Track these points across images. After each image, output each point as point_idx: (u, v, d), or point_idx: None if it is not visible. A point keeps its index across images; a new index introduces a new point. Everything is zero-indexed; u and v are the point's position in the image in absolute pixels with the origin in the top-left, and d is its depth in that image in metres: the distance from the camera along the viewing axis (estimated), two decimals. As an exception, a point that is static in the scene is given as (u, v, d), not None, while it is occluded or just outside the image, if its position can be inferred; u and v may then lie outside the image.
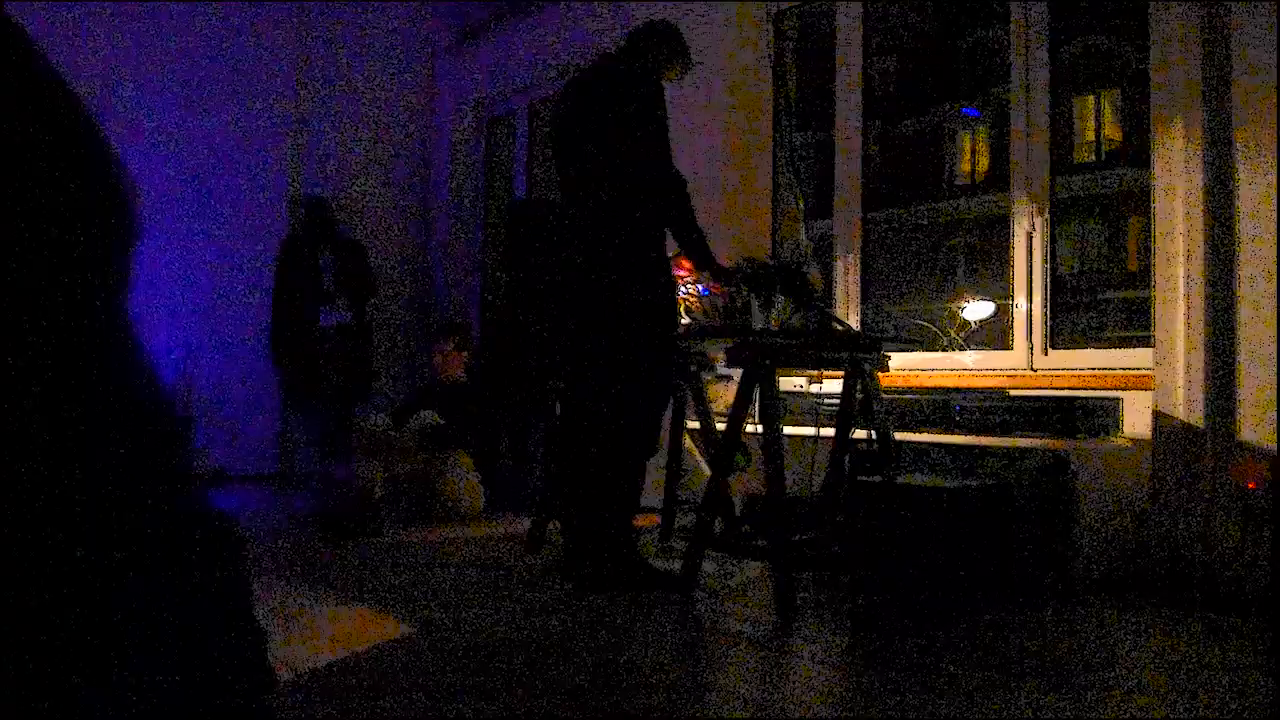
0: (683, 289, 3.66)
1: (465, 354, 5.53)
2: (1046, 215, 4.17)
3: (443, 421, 5.08)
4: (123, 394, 0.90)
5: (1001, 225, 4.32)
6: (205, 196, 6.45)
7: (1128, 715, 2.11)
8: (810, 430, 3.79)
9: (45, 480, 0.79)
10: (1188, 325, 3.40)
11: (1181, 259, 3.44)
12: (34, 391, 0.78)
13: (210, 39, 6.58)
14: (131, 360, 0.92)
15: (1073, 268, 4.64)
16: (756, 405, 3.35)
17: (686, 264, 3.67)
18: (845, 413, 3.50)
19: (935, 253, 5.06)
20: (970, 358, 4.33)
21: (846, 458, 3.51)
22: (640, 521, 4.02)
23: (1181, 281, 3.43)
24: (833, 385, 3.99)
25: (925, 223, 5.03)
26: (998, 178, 4.52)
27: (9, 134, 0.74)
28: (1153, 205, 3.57)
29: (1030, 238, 4.19)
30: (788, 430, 4.01)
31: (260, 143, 6.77)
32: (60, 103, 0.80)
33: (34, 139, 0.79)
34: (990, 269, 4.54)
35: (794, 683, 2.40)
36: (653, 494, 4.17)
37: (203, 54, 6.53)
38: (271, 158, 6.81)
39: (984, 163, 5.02)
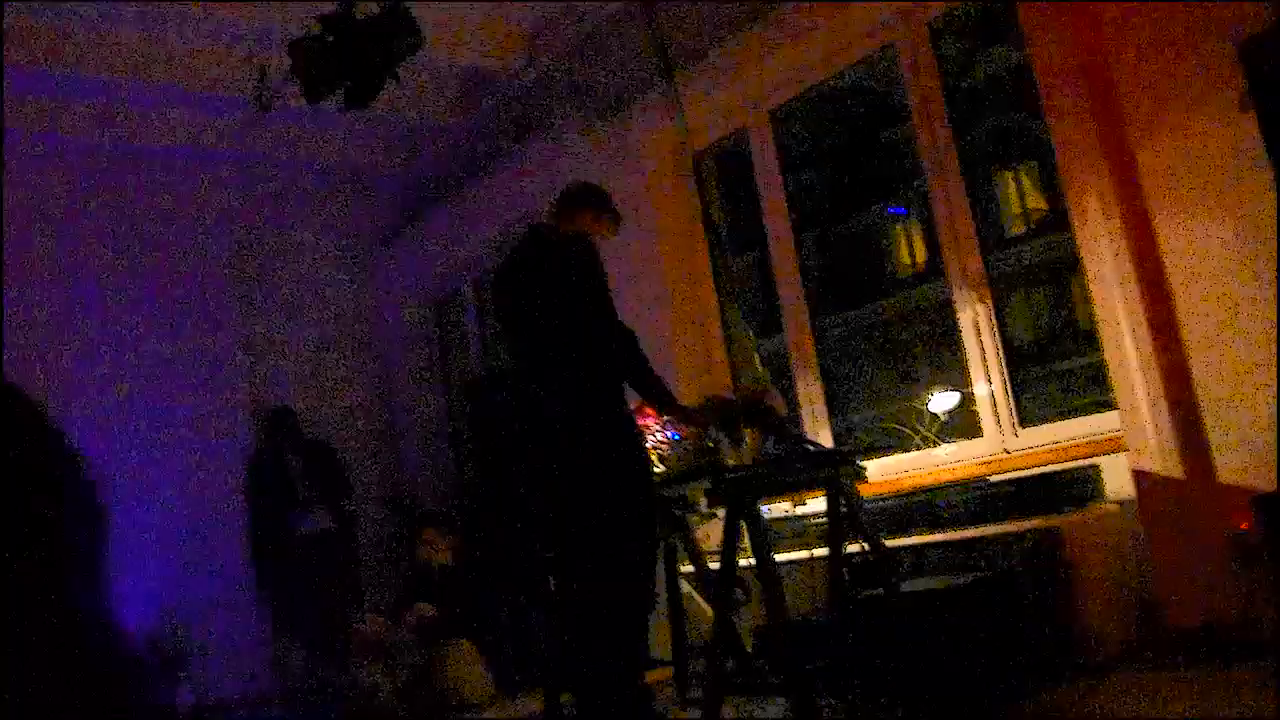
0: (651, 438, 3.74)
1: (451, 538, 5.55)
2: (988, 300, 4.32)
3: (437, 611, 5.07)
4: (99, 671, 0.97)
5: (950, 309, 4.47)
6: (167, 426, 6.51)
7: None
8: (804, 553, 3.83)
9: None
10: (1145, 382, 3.53)
11: (1124, 319, 3.59)
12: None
13: (156, 283, 6.74)
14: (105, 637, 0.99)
15: (1028, 339, 4.77)
16: (746, 538, 3.40)
17: (651, 412, 3.76)
18: (834, 530, 3.55)
19: (892, 349, 5.18)
20: (945, 452, 4.41)
21: (845, 574, 3.55)
22: (654, 676, 4.00)
23: (1129, 340, 3.57)
24: (817, 503, 4.05)
25: (876, 320, 5.16)
26: (935, 266, 4.69)
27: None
28: (1084, 273, 3.74)
29: (976, 324, 4.34)
30: (781, 556, 4.04)
31: (214, 365, 6.86)
32: (34, 436, 0.90)
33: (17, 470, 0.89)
34: (948, 354, 4.66)
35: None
36: (662, 647, 4.16)
37: (147, 292, 6.68)
38: (228, 376, 6.90)
39: (921, 253, 5.20)
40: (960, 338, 4.40)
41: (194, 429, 6.63)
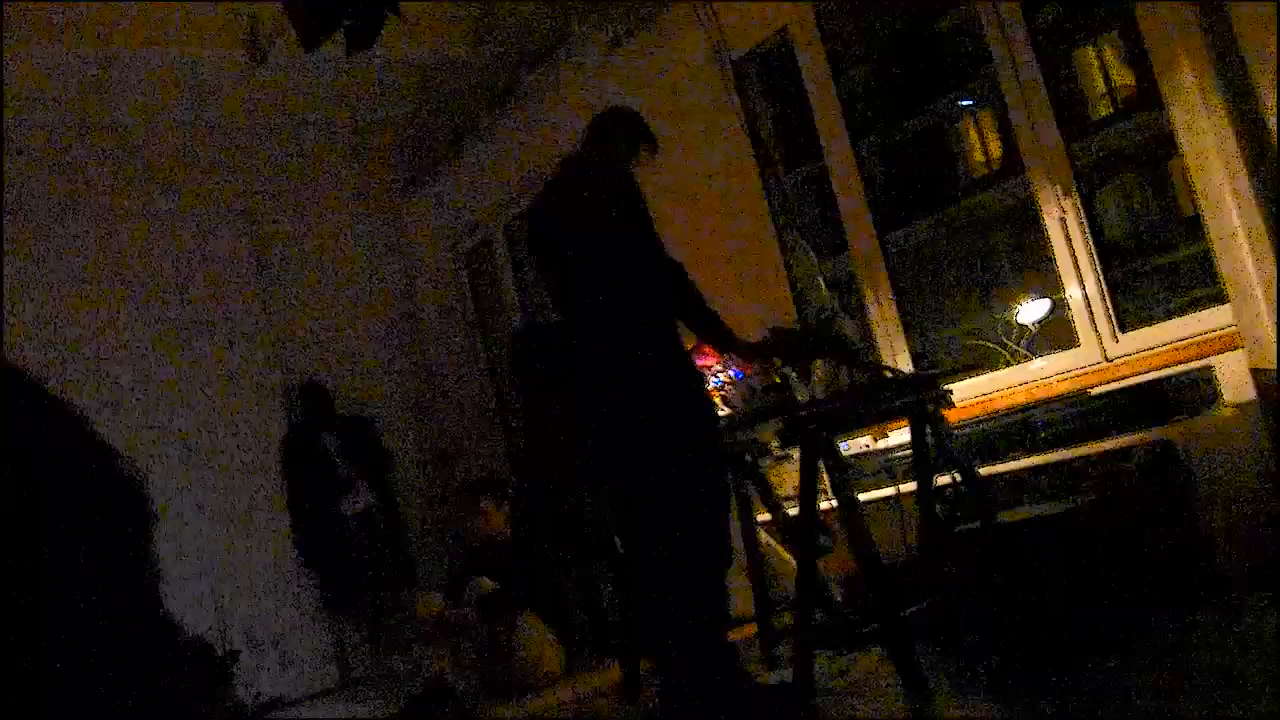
0: (713, 380, 3.75)
1: (505, 506, 5.62)
2: (1075, 193, 4.23)
3: (498, 585, 5.14)
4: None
5: (1033, 208, 4.39)
6: (200, 412, 6.65)
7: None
8: (890, 490, 3.84)
9: None
10: (1258, 268, 3.45)
11: (1230, 201, 3.51)
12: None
13: (166, 248, 6.85)
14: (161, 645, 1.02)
15: (1123, 233, 4.67)
16: (825, 479, 3.41)
17: (710, 351, 3.76)
18: (921, 462, 3.56)
19: (971, 259, 5.11)
20: (1039, 366, 4.35)
21: (937, 508, 3.55)
22: (737, 635, 4.05)
23: (1237, 224, 3.49)
24: (901, 434, 4.04)
25: (950, 228, 5.08)
26: (1013, 161, 4.60)
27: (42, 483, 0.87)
28: (1182, 155, 3.66)
29: (1063, 220, 4.26)
30: (865, 496, 4.05)
31: (238, 340, 6.97)
32: (74, 439, 0.93)
33: (59, 480, 0.92)
34: (1034, 259, 4.59)
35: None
36: (743, 604, 4.20)
37: (164, 275, 6.80)
38: (254, 352, 7.01)
39: (996, 148, 5.10)
40: (1047, 238, 4.32)
41: (223, 411, 6.75)
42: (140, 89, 6.36)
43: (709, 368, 3.74)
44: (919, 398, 3.44)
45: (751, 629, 4.32)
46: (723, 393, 3.76)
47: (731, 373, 3.74)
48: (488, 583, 5.14)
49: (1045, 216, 4.32)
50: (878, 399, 3.40)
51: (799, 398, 3.45)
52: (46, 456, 0.90)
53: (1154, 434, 3.42)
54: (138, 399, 6.41)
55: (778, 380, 3.57)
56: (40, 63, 5.74)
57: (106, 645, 0.94)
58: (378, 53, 4.53)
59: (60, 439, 0.93)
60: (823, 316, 3.57)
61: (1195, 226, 3.93)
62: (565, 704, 4.36)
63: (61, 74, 5.95)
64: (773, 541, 4.64)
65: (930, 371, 3.64)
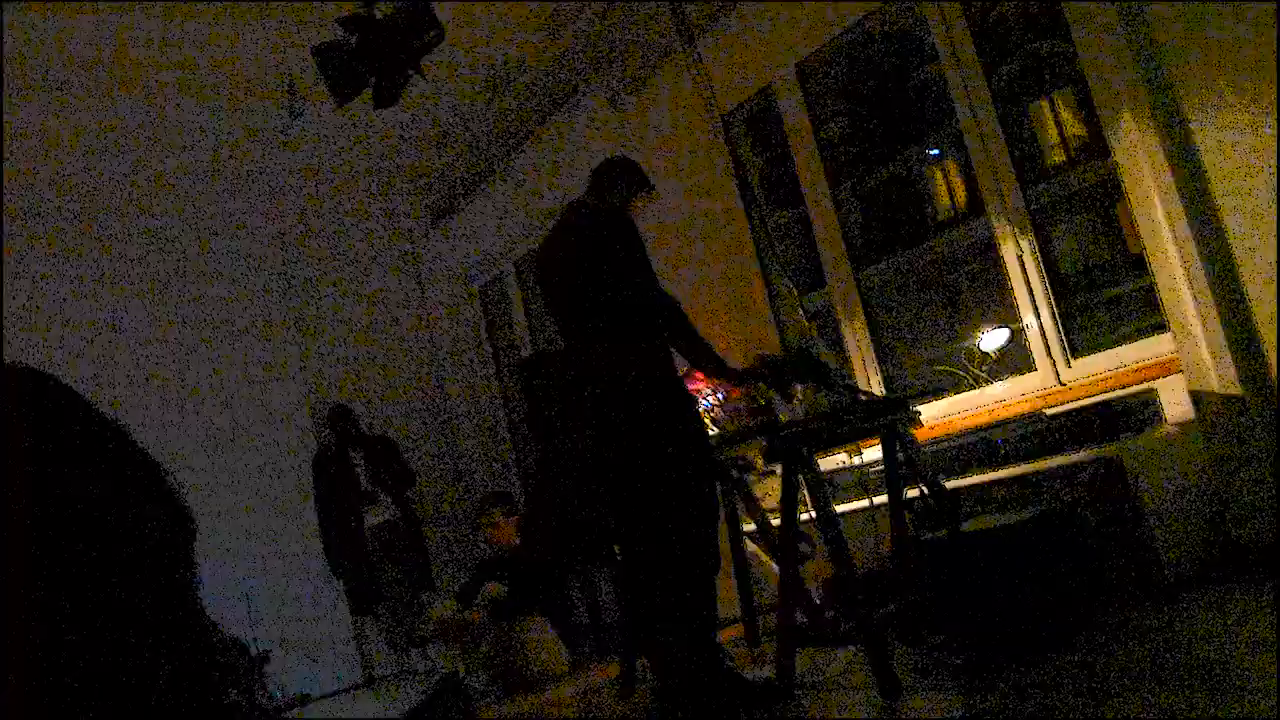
0: (703, 402, 3.77)
1: (515, 518, 5.64)
2: (1031, 232, 4.28)
3: (508, 590, 5.15)
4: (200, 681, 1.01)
5: (994, 246, 4.43)
6: (235, 431, 6.68)
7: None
8: (864, 502, 3.85)
9: None
10: (1195, 298, 3.48)
11: (1169, 239, 3.54)
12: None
13: (205, 281, 6.89)
14: (203, 645, 1.03)
15: (1075, 269, 4.71)
16: (805, 492, 3.43)
17: (701, 376, 3.79)
18: (892, 476, 3.57)
19: (938, 292, 5.14)
20: (999, 389, 4.38)
21: (907, 519, 3.57)
22: (725, 635, 4.06)
23: (1176, 261, 3.52)
24: (873, 452, 4.06)
25: (919, 265, 5.12)
26: (975, 203, 4.64)
27: (88, 492, 0.88)
28: (1127, 197, 3.70)
29: (1020, 258, 4.30)
30: (841, 508, 4.08)
31: (271, 365, 7.00)
32: (114, 451, 0.95)
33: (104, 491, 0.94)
34: (995, 292, 4.62)
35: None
36: (730, 606, 4.21)
37: (204, 305, 6.84)
38: (286, 376, 7.05)
39: (961, 193, 5.13)
40: (1006, 273, 4.36)
41: (257, 430, 6.78)
42: (188, 137, 6.41)
43: (700, 391, 3.76)
44: (890, 418, 3.46)
45: (738, 629, 4.32)
46: (712, 414, 3.78)
47: (719, 395, 3.76)
48: (498, 587, 5.16)
49: (1004, 254, 4.36)
50: (853, 419, 3.42)
51: (781, 418, 3.48)
52: (98, 466, 0.92)
53: (1103, 450, 3.44)
54: (182, 418, 6.43)
55: (762, 403, 3.59)
56: (97, 113, 5.78)
57: (159, 647, 0.95)
58: (402, 105, 4.57)
59: (109, 450, 0.94)
60: (803, 345, 3.58)
61: (1141, 263, 3.96)
62: (569, 698, 4.36)
63: (123, 123, 6.00)
64: (758, 549, 4.65)
65: (900, 394, 3.67)
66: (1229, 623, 2.83)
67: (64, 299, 6.09)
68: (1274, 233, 3.31)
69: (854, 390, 3.63)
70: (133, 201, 6.66)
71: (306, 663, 6.45)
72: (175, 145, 6.46)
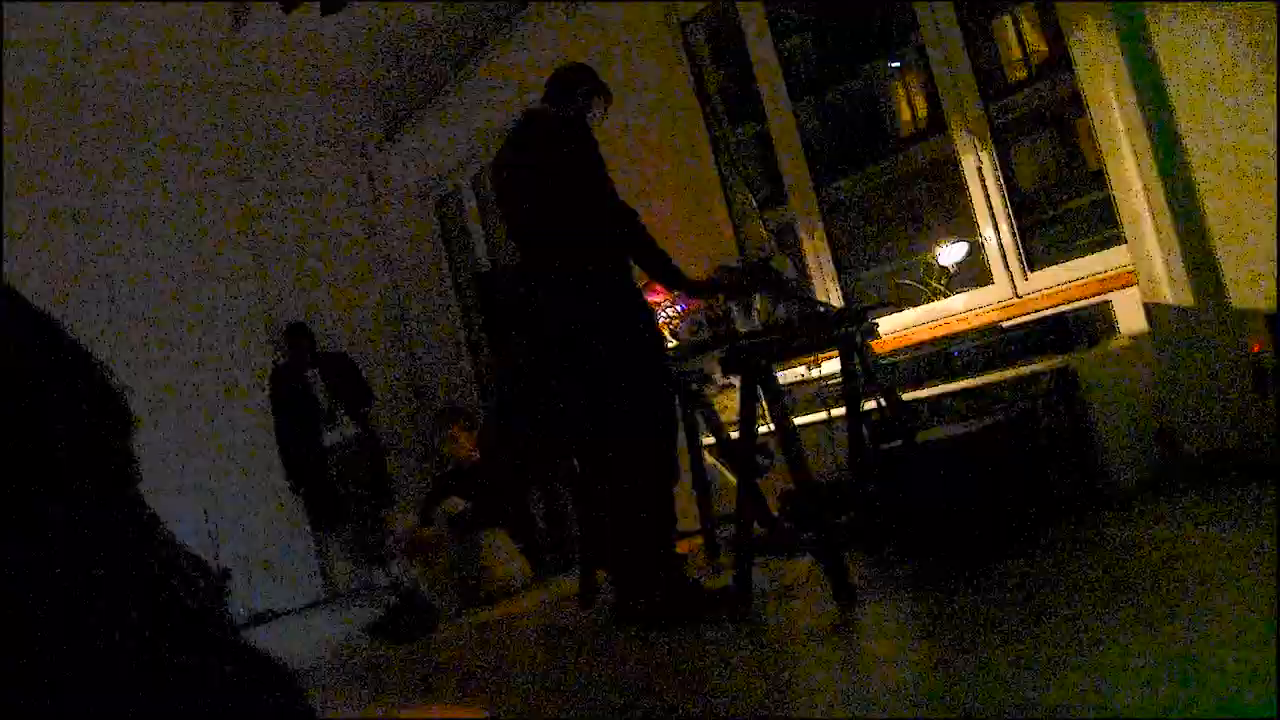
0: (662, 314, 3.75)
1: (474, 432, 5.62)
2: (990, 145, 4.26)
3: (469, 504, 5.16)
4: (147, 571, 0.99)
5: (954, 162, 4.42)
6: (191, 349, 6.58)
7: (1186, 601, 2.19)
8: (822, 414, 3.87)
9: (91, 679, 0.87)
10: (1152, 213, 3.48)
11: (1128, 151, 3.53)
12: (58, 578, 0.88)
13: (154, 195, 6.72)
14: (149, 539, 1.01)
15: (1035, 184, 4.71)
16: (764, 404, 3.43)
17: (660, 289, 3.77)
18: (850, 388, 3.58)
19: (898, 208, 5.14)
20: (957, 302, 4.41)
21: (864, 430, 3.59)
22: (684, 546, 4.09)
23: (1134, 174, 3.52)
24: (832, 365, 4.08)
25: (881, 181, 5.11)
26: (937, 120, 4.61)
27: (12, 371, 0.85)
28: (1087, 111, 3.68)
29: (980, 171, 4.29)
30: (800, 420, 4.10)
31: (224, 283, 6.89)
32: (44, 335, 0.91)
33: (26, 370, 0.90)
34: (955, 208, 4.62)
35: (871, 662, 2.48)
36: (689, 519, 4.24)
37: (153, 220, 6.68)
38: (240, 293, 6.94)
39: (922, 108, 5.10)
40: (966, 188, 4.36)
41: (214, 348, 6.70)
42: (131, 43, 6.20)
43: (659, 304, 3.74)
44: (848, 330, 3.46)
45: (697, 541, 4.37)
46: (671, 326, 3.76)
47: (679, 307, 3.74)
48: (458, 502, 5.17)
49: (965, 169, 4.35)
50: (811, 331, 3.42)
51: (739, 330, 3.47)
52: (28, 349, 0.88)
53: (1058, 362, 3.46)
54: (135, 335, 6.33)
55: (721, 314, 3.58)
56: (39, 15, 5.58)
57: (99, 536, 0.93)
58: (351, 15, 4.44)
59: (36, 334, 0.91)
60: (762, 256, 3.56)
61: (1099, 179, 3.96)
62: (528, 611, 4.41)
63: (57, 26, 5.80)
64: (716, 462, 4.68)
65: (859, 307, 3.66)
66: (1175, 529, 2.88)
67: (9, 209, 5.92)
68: (1233, 143, 3.31)
69: (813, 302, 3.62)
70: (76, 110, 6.46)
71: (268, 580, 6.47)
72: (121, 53, 6.25)
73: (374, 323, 7.48)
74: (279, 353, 6.64)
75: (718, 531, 4.29)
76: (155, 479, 1.04)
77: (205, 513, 6.15)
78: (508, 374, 5.24)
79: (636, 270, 3.50)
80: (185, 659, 0.95)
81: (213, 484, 6.38)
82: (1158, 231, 3.47)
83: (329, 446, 6.12)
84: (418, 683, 3.51)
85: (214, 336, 6.74)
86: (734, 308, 3.50)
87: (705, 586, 3.46)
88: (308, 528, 6.65)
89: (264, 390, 6.38)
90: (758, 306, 3.49)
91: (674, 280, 3.51)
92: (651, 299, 3.74)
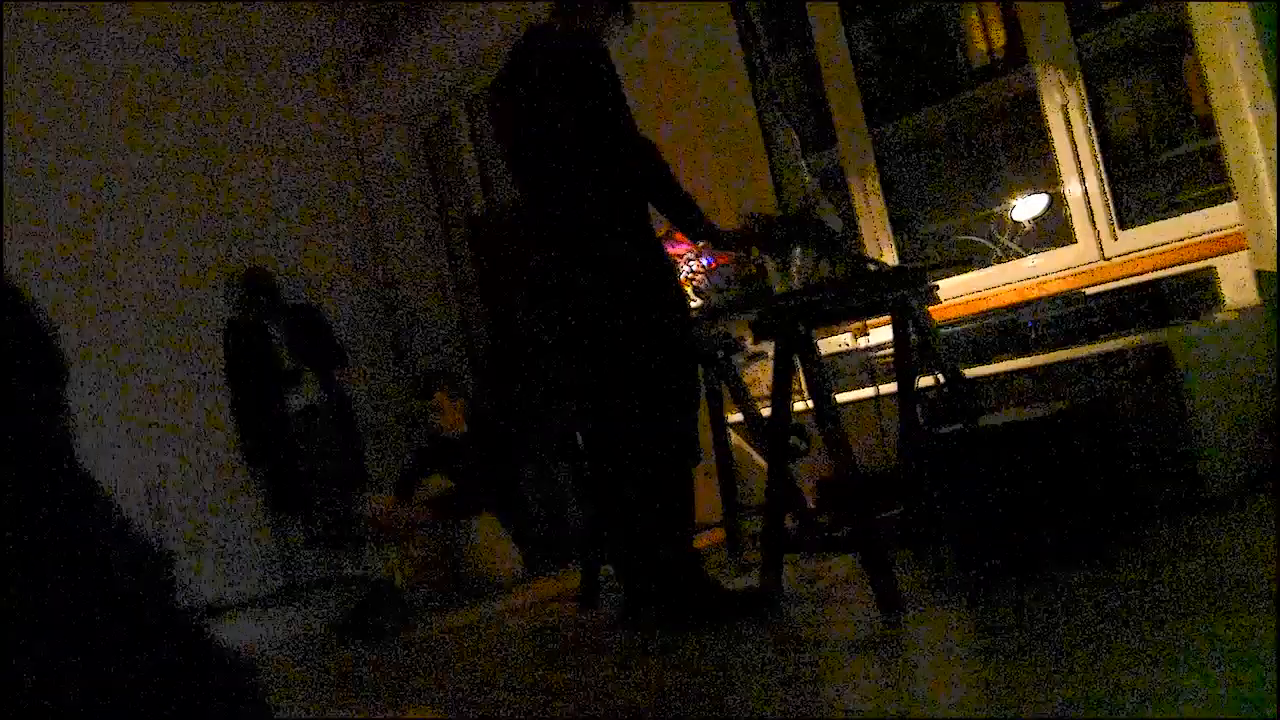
0: (685, 269, 3.73)
1: (461, 402, 5.61)
2: (1079, 82, 4.21)
3: (453, 484, 5.16)
4: (72, 533, 0.98)
5: (1035, 100, 4.37)
6: (136, 298, 6.59)
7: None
8: (869, 391, 3.84)
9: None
10: (1270, 164, 3.43)
11: (1245, 94, 3.48)
12: None
13: (100, 118, 6.71)
14: (77, 496, 1.00)
15: (1130, 130, 4.66)
16: (801, 377, 3.41)
17: (682, 238, 3.74)
18: (903, 361, 3.55)
19: (967, 153, 5.09)
20: (1031, 264, 4.38)
21: (918, 411, 3.56)
22: (703, 540, 4.09)
23: (1250, 118, 3.46)
24: (882, 334, 4.04)
25: (947, 121, 5.06)
26: (1016, 52, 4.56)
27: None
28: (1197, 46, 3.62)
29: (1065, 110, 4.24)
30: (843, 397, 4.07)
31: (180, 221, 6.88)
32: None
33: None
34: (1035, 155, 4.58)
35: (920, 682, 2.46)
36: (710, 509, 4.23)
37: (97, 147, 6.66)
38: (197, 234, 6.93)
39: (999, 37, 5.04)
40: (1048, 132, 4.32)
41: (162, 297, 6.69)
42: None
43: (680, 256, 3.71)
44: (903, 293, 3.42)
45: (719, 534, 4.36)
46: (694, 282, 3.74)
47: (704, 261, 3.72)
48: (441, 480, 5.16)
49: (1047, 108, 4.31)
50: (859, 292, 3.38)
51: (775, 289, 3.43)
52: None
53: (1150, 338, 3.42)
54: (74, 282, 6.33)
55: (753, 270, 3.55)
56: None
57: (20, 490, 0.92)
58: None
59: None
60: (804, 204, 3.51)
61: (1207, 126, 3.91)
62: (520, 610, 4.40)
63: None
64: (743, 443, 4.66)
65: (917, 265, 3.63)
66: (1266, 542, 2.85)
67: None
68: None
69: (862, 259, 3.58)
70: (31, 31, 6.44)
71: (218, 567, 6.49)
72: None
73: (349, 272, 7.46)
74: (236, 304, 6.64)
75: (743, 524, 4.28)
76: (90, 446, 1.03)
77: (147, 489, 6.17)
78: (503, 334, 5.22)
79: (656, 217, 3.47)
80: (122, 640, 0.94)
81: (157, 455, 6.39)
82: (1276, 186, 3.41)
83: (292, 414, 6.12)
84: (388, 688, 3.51)
85: (162, 283, 6.74)
86: (769, 263, 3.46)
87: (726, 588, 3.45)
88: (266, 507, 6.67)
89: (220, 348, 6.38)
90: (797, 263, 3.45)
91: (699, 229, 3.47)
92: (672, 250, 3.71)
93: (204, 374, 6.56)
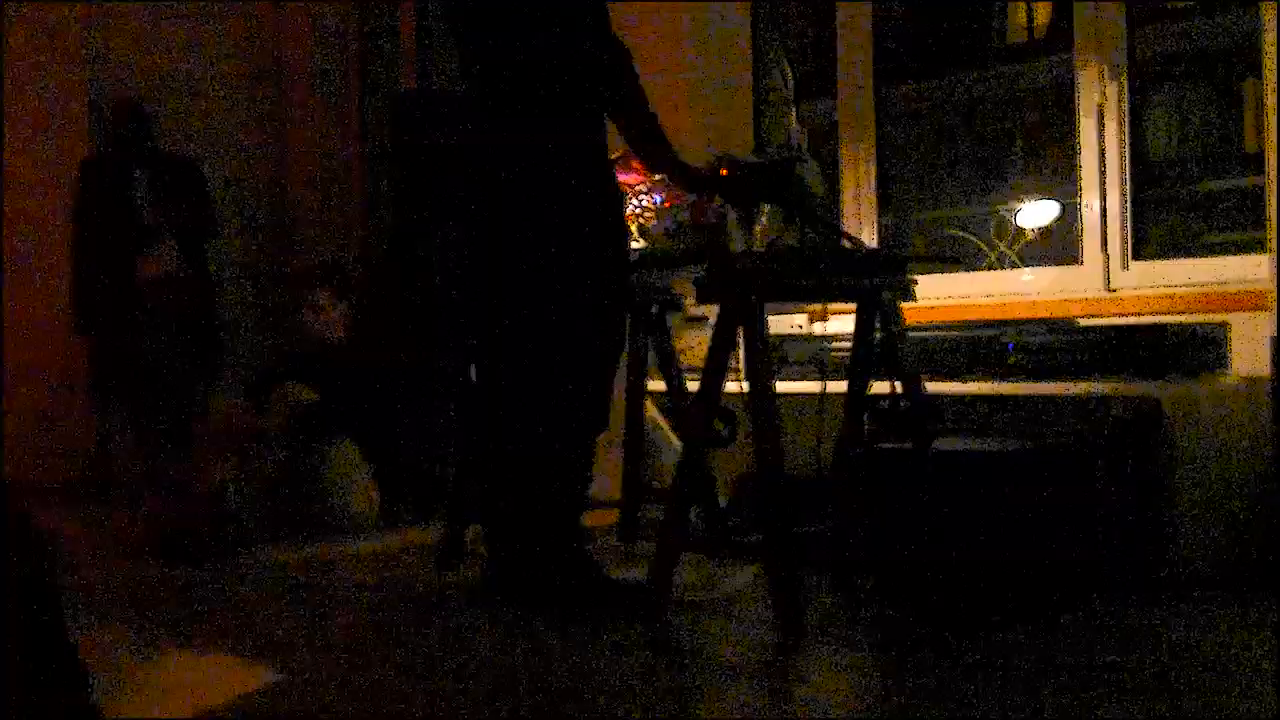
0: (634, 202, 3.70)
1: (345, 306, 5.54)
2: (1124, 81, 4.24)
3: (318, 399, 5.10)
4: None
5: (1070, 93, 4.39)
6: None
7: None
8: (815, 385, 3.85)
9: None
10: (1315, 220, 3.49)
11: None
12: None
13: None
14: None
15: (1168, 148, 4.71)
16: (741, 355, 3.41)
17: (639, 167, 3.71)
18: (861, 358, 3.56)
19: (980, 137, 5.12)
20: (1027, 277, 4.42)
21: (865, 419, 3.58)
22: (593, 519, 4.08)
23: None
24: (842, 323, 4.05)
25: (965, 96, 5.08)
26: (1060, 33, 4.58)
27: None
28: (1263, 67, 3.65)
29: (1101, 111, 4.26)
30: (784, 387, 4.06)
31: (46, 48, 6.72)
32: None
33: None
34: (1055, 155, 4.61)
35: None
36: (609, 484, 4.23)
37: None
38: (64, 56, 6.77)
39: (1043, 12, 5.07)
40: (1077, 131, 4.34)
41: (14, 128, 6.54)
42: None
43: (631, 187, 3.68)
44: (878, 280, 3.43)
45: (612, 515, 4.36)
46: (641, 220, 3.71)
47: (656, 199, 3.69)
48: (305, 393, 5.09)
49: (1081, 105, 4.34)
50: (827, 269, 3.38)
51: (731, 247, 3.42)
52: None
53: (1141, 389, 3.47)
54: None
55: (712, 220, 3.53)
56: None
57: None
58: None
59: None
60: (786, 155, 3.50)
61: (1255, 163, 3.95)
62: (366, 559, 4.39)
63: None
64: (659, 417, 4.66)
65: (899, 253, 3.64)
66: (1240, 641, 2.91)
67: None
68: None
69: (837, 232, 3.59)
70: None
71: (26, 446, 6.37)
72: None
73: (241, 129, 7.32)
74: (99, 139, 6.49)
75: (642, 509, 4.28)
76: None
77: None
78: (411, 236, 5.16)
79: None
80: None
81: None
82: (1313, 246, 3.46)
83: (145, 279, 5.98)
84: (187, 619, 3.47)
85: (24, 113, 6.58)
86: (731, 216, 3.45)
87: (609, 576, 3.46)
88: (92, 388, 6.54)
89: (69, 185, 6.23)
90: (763, 221, 3.44)
91: (663, 157, 3.47)
92: (623, 179, 3.68)
93: (46, 214, 6.42)
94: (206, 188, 6.26)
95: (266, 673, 2.83)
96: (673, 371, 4.08)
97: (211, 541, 4.46)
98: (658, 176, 3.69)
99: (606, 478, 4.18)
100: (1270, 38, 3.60)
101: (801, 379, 4.19)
